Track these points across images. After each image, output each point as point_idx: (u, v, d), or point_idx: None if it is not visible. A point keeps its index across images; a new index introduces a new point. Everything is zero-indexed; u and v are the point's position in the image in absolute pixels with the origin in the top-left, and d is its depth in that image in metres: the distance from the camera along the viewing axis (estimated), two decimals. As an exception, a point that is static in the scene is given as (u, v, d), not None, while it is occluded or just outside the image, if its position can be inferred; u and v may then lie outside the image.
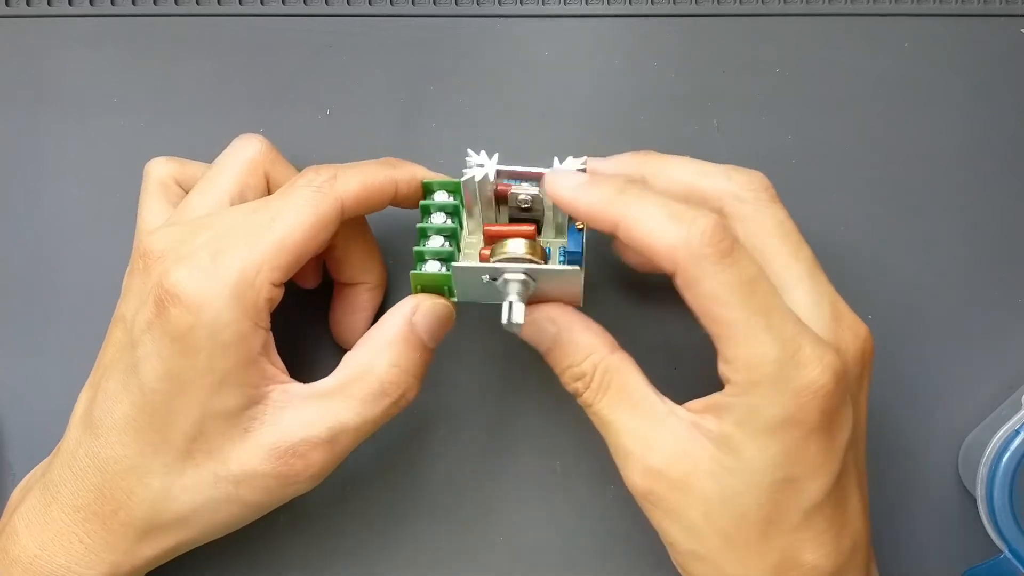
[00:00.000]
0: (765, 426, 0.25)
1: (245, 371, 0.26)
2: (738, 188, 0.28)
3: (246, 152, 0.30)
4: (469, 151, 0.28)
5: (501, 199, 0.29)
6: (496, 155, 0.28)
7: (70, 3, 0.36)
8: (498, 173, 0.28)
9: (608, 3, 0.36)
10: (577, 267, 0.27)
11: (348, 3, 0.36)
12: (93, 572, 0.27)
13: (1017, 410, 0.31)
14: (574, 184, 0.26)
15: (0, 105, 0.35)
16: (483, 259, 0.28)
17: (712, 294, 0.25)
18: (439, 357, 0.32)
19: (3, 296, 0.34)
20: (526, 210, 0.29)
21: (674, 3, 0.35)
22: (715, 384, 0.34)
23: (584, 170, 0.27)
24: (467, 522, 0.33)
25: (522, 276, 0.27)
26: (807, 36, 0.35)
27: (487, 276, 0.27)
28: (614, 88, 0.35)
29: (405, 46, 0.35)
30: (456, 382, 0.33)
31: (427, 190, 0.30)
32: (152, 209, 0.31)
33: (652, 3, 0.35)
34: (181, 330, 0.25)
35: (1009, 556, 0.30)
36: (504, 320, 0.26)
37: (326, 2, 0.36)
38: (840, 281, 0.33)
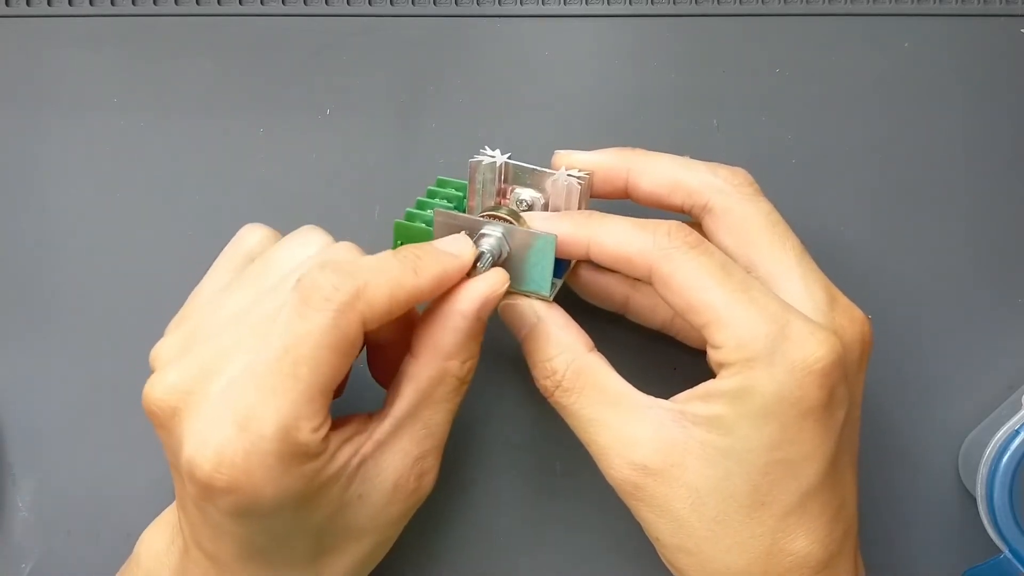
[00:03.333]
0: (761, 404, 0.24)
1: (330, 484, 0.25)
2: (722, 183, 0.28)
3: (307, 250, 0.27)
4: (485, 147, 0.29)
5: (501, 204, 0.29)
6: (508, 153, 0.29)
7: (70, 3, 0.36)
8: (507, 165, 0.29)
9: (608, 3, 0.36)
10: (551, 234, 0.27)
11: (348, 3, 0.36)
12: None
13: (1017, 410, 0.31)
14: (543, 217, 0.28)
15: (0, 105, 0.35)
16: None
17: (688, 282, 0.25)
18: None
19: (3, 296, 0.34)
20: (523, 210, 0.29)
21: (674, 3, 0.35)
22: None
23: (586, 176, 0.29)
24: (467, 522, 0.33)
25: (499, 233, 0.27)
26: (807, 36, 0.35)
27: (466, 231, 0.28)
28: (614, 88, 0.35)
29: (405, 46, 0.35)
30: (456, 382, 0.33)
31: (440, 185, 0.30)
32: (217, 280, 0.28)
33: (652, 3, 0.35)
34: (242, 509, 0.23)
35: (1009, 556, 0.30)
36: (475, 265, 0.27)
37: (326, 2, 0.36)
38: (840, 281, 0.33)
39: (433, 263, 0.26)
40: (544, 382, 0.27)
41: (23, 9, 0.36)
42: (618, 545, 0.33)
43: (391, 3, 0.36)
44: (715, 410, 0.25)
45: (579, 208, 0.29)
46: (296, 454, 0.24)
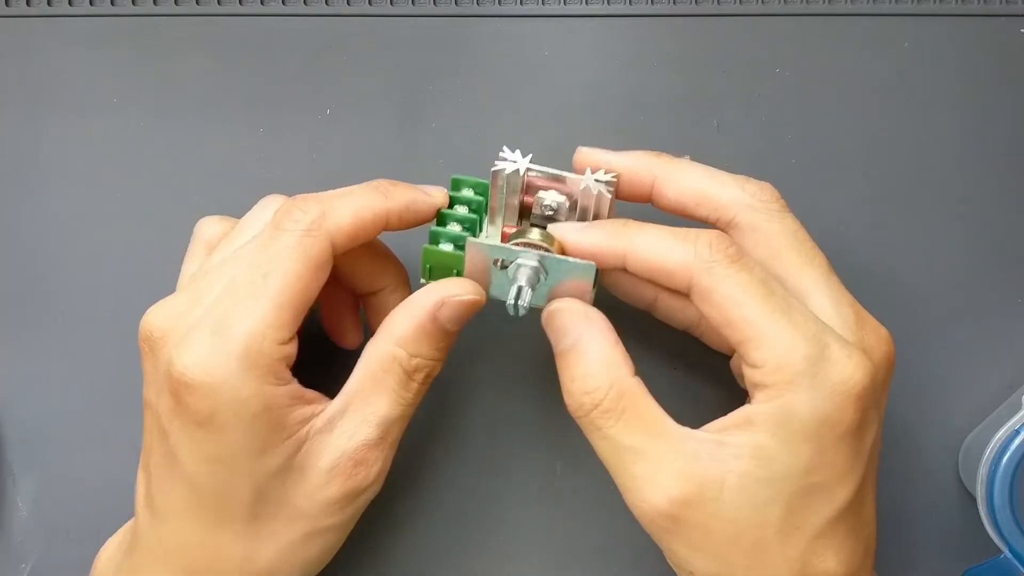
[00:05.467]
0: (801, 428, 0.24)
1: (282, 429, 0.26)
2: (750, 198, 0.28)
3: (270, 213, 0.28)
4: (504, 148, 0.28)
5: (526, 210, 0.29)
6: (530, 155, 0.28)
7: (70, 3, 0.36)
8: (529, 170, 0.28)
9: (608, 3, 0.36)
10: (590, 263, 0.27)
11: (348, 3, 0.36)
12: None
13: (1017, 410, 0.31)
14: (575, 228, 0.27)
15: (0, 105, 0.35)
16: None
17: (729, 297, 0.25)
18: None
19: (3, 296, 0.34)
20: (548, 218, 0.28)
21: (674, 3, 0.35)
22: (713, 385, 0.34)
23: (615, 182, 0.28)
24: (467, 522, 0.33)
25: (535, 262, 0.27)
26: (807, 36, 0.35)
27: (499, 261, 0.27)
28: (614, 88, 0.35)
29: (405, 46, 0.35)
30: (456, 382, 0.33)
31: (455, 186, 0.29)
32: (191, 269, 0.29)
33: (652, 3, 0.35)
34: (204, 416, 0.25)
35: (1009, 556, 0.30)
36: (511, 301, 0.27)
37: (326, 2, 0.36)
38: (839, 280, 0.33)
39: (405, 190, 0.28)
40: (583, 398, 0.26)
41: (23, 9, 0.36)
42: (618, 546, 0.33)
43: (391, 3, 0.36)
44: (757, 439, 0.24)
45: (608, 214, 0.28)
46: (258, 363, 0.25)
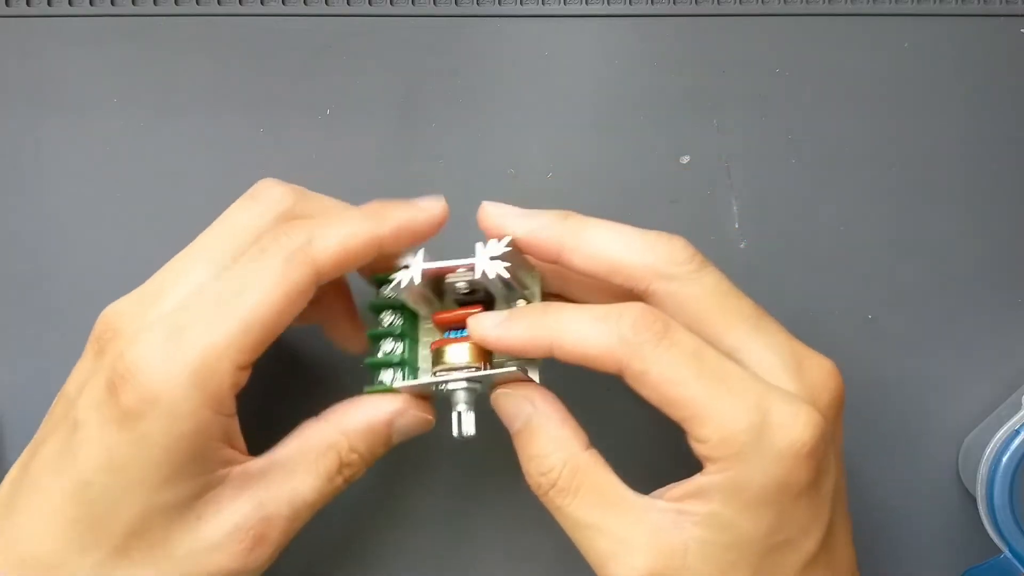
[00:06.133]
0: (755, 497, 0.24)
1: (202, 463, 0.24)
2: (663, 264, 0.26)
3: (264, 206, 0.27)
4: (399, 260, 0.27)
5: (439, 293, 0.28)
6: (421, 251, 0.27)
7: (70, 3, 0.36)
8: (424, 273, 0.26)
9: (608, 3, 0.36)
10: (514, 369, 0.26)
11: (348, 3, 0.36)
12: None
13: (1017, 410, 0.31)
14: (494, 324, 0.26)
15: (0, 105, 0.35)
16: (438, 346, 0.27)
17: (663, 378, 0.24)
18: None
19: (3, 296, 0.34)
20: (469, 294, 0.27)
21: (674, 3, 0.35)
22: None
23: (510, 247, 0.26)
24: (467, 523, 0.33)
25: (465, 384, 0.26)
26: (807, 36, 0.35)
27: (434, 387, 0.27)
28: (614, 88, 0.35)
29: (405, 46, 0.35)
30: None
31: (375, 310, 0.29)
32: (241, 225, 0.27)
33: (652, 3, 0.35)
34: (132, 417, 0.23)
35: (1009, 556, 0.30)
36: (455, 432, 0.26)
37: (326, 2, 0.36)
38: (840, 281, 0.33)
39: (398, 212, 0.27)
40: (539, 479, 0.26)
41: (23, 9, 0.36)
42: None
43: (391, 3, 0.36)
44: (711, 508, 0.24)
45: (517, 283, 0.27)
46: (208, 382, 0.24)
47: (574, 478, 0.25)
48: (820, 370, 0.26)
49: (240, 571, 0.25)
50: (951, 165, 0.34)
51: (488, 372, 0.27)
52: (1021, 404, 0.31)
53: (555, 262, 0.27)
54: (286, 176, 0.35)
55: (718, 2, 0.35)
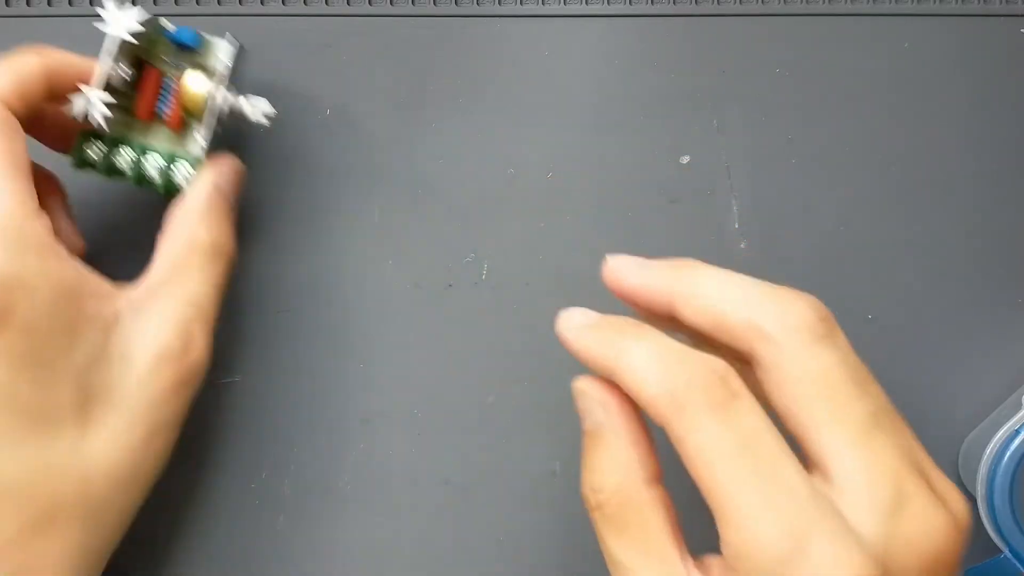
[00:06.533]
0: None
1: (83, 313, 0.25)
2: (771, 325, 0.22)
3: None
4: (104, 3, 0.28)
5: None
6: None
7: (70, 3, 0.36)
8: (95, 82, 0.28)
9: (608, 3, 0.36)
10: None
11: (348, 3, 0.36)
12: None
13: (1017, 410, 0.31)
14: (578, 324, 0.24)
15: None
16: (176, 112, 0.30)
17: (698, 452, 0.21)
18: (438, 355, 0.32)
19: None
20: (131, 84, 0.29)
21: (674, 3, 0.35)
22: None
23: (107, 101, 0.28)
24: (467, 523, 0.33)
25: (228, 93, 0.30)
26: (807, 36, 0.35)
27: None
28: (614, 88, 0.35)
29: (405, 46, 0.35)
30: (456, 382, 0.33)
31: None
32: None
33: (652, 3, 0.36)
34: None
35: (1009, 556, 0.30)
36: (254, 119, 0.30)
37: (326, 2, 0.36)
38: (840, 281, 0.33)
39: (55, 50, 0.28)
40: (588, 492, 0.23)
41: (23, 9, 0.36)
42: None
43: (391, 3, 0.36)
44: None
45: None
46: (28, 240, 0.24)
47: (622, 511, 0.23)
48: (924, 523, 0.20)
49: (186, 376, 0.26)
50: (951, 165, 0.34)
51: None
52: (1021, 404, 0.31)
53: (670, 315, 0.24)
54: (286, 176, 0.35)
55: (718, 2, 0.35)
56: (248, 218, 0.34)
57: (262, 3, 0.36)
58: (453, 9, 0.35)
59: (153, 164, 0.29)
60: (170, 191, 0.30)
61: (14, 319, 0.24)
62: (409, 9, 0.35)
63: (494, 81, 0.35)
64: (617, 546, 0.23)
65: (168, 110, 0.29)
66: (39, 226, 0.25)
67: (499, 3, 0.35)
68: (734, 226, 0.34)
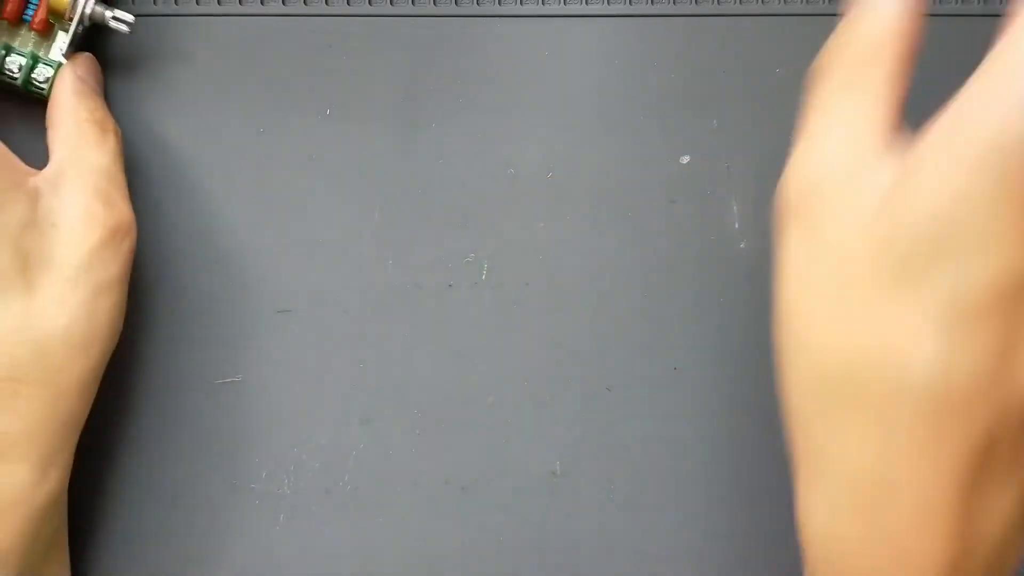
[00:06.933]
0: None
1: (3, 180, 0.26)
2: None
3: None
4: None
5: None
6: None
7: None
8: None
9: (608, 3, 0.36)
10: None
11: (348, 3, 0.36)
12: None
13: (1017, 410, 0.31)
14: None
15: None
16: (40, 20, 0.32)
17: None
18: (438, 355, 0.32)
19: None
20: None
21: (674, 3, 0.35)
22: (713, 385, 0.34)
23: None
24: (467, 523, 0.33)
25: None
26: (807, 36, 0.35)
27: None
28: (614, 88, 0.35)
29: (405, 46, 0.35)
30: (456, 382, 0.33)
31: None
32: None
33: (652, 3, 0.35)
34: None
35: (1009, 556, 0.30)
36: (117, 26, 0.32)
37: (326, 2, 0.36)
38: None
39: None
40: (827, 48, 0.25)
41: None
42: (618, 546, 0.33)
43: (391, 3, 0.36)
44: None
45: None
46: None
47: (860, 57, 0.24)
48: None
49: (117, 232, 0.28)
50: (951, 165, 0.34)
51: None
52: (1021, 404, 0.31)
53: None
54: (285, 177, 0.35)
55: (718, 2, 0.35)
56: (248, 218, 0.34)
57: (262, 3, 0.36)
58: (453, 9, 0.35)
59: (14, 63, 0.32)
60: (28, 88, 0.32)
61: None
62: (409, 9, 0.35)
63: (494, 81, 0.35)
64: (829, 89, 0.24)
65: (34, 14, 0.32)
66: None
67: (499, 3, 0.35)
68: (734, 226, 0.34)
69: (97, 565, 0.33)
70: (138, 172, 0.35)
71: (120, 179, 0.30)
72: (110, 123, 0.31)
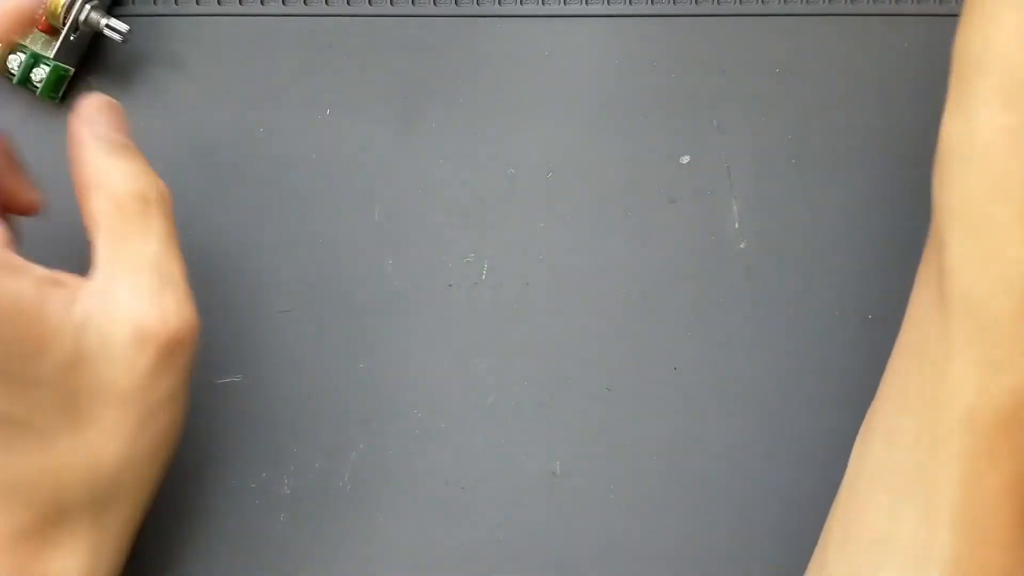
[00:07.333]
0: None
1: (44, 322, 0.23)
2: None
3: None
4: None
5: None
6: None
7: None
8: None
9: (608, 3, 0.36)
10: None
11: (348, 3, 0.36)
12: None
13: (1017, 410, 0.31)
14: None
15: (0, 105, 0.35)
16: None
17: None
18: (438, 355, 0.32)
19: None
20: None
21: (674, 3, 0.35)
22: (713, 384, 0.34)
23: None
24: (466, 523, 0.33)
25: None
26: (807, 36, 0.35)
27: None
28: (614, 88, 0.35)
29: (405, 46, 0.35)
30: (456, 382, 0.33)
31: None
32: None
33: (652, 3, 0.35)
34: None
35: (1009, 556, 0.30)
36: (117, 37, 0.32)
37: (326, 2, 0.36)
38: (840, 281, 0.33)
39: None
40: None
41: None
42: (618, 546, 0.33)
43: (391, 3, 0.36)
44: None
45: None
46: None
47: None
48: None
49: (171, 346, 0.25)
50: (951, 165, 0.34)
51: None
52: (1021, 404, 0.31)
53: None
54: (286, 176, 0.35)
55: (718, 2, 0.35)
56: (248, 218, 0.34)
57: (262, 3, 0.36)
58: (453, 9, 0.35)
59: (15, 60, 0.33)
60: (25, 85, 0.33)
61: None
62: (409, 9, 0.35)
63: (494, 81, 0.35)
64: None
65: (39, 14, 0.32)
66: None
67: (499, 3, 0.35)
68: (734, 226, 0.34)
69: (97, 565, 0.33)
70: (138, 172, 0.35)
71: (174, 268, 0.26)
72: (152, 189, 0.26)
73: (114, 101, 0.28)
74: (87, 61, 0.35)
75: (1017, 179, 0.23)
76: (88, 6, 0.33)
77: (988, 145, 0.23)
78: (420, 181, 0.34)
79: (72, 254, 0.28)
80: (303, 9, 0.36)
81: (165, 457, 0.27)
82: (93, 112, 0.27)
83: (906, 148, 0.35)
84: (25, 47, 0.33)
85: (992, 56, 0.23)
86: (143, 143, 0.35)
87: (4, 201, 0.29)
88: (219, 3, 0.36)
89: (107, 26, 0.33)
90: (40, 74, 0.33)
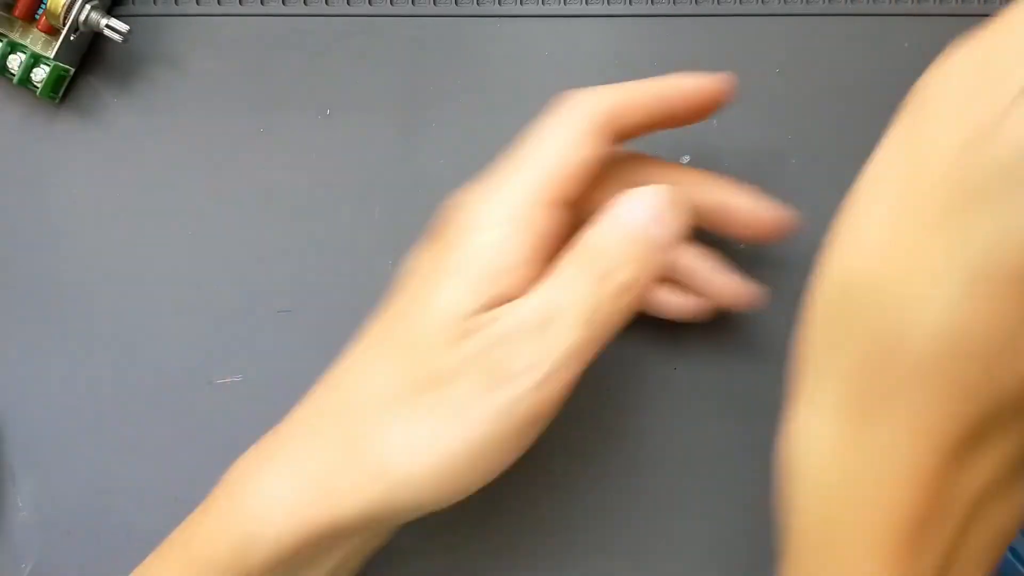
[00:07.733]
0: None
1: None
2: None
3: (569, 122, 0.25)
4: None
5: None
6: None
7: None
8: None
9: (608, 3, 0.36)
10: None
11: (348, 3, 0.36)
12: None
13: (1017, 410, 0.31)
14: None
15: (0, 105, 0.35)
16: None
17: None
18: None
19: (3, 296, 0.34)
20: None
21: (674, 3, 0.35)
22: (713, 384, 0.34)
23: None
24: (467, 524, 0.33)
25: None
26: (807, 36, 0.35)
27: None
28: (614, 88, 0.35)
29: (405, 46, 0.35)
30: (456, 382, 0.33)
31: None
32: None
33: (652, 3, 0.35)
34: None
35: (1009, 556, 0.30)
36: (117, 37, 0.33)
37: (326, 2, 0.36)
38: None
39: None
40: None
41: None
42: (619, 546, 0.33)
43: (391, 3, 0.36)
44: None
45: None
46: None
47: None
48: None
49: (536, 416, 0.25)
50: (951, 165, 0.34)
51: None
52: (1021, 404, 0.31)
53: None
54: (286, 176, 0.35)
55: (718, 2, 0.35)
56: (248, 218, 0.34)
57: (262, 3, 0.36)
58: (453, 9, 0.35)
59: (16, 61, 0.33)
60: (25, 85, 0.33)
61: None
62: (409, 9, 0.35)
63: (494, 81, 0.35)
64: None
65: (40, 15, 0.33)
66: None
67: (499, 3, 0.35)
68: (734, 226, 0.34)
69: (97, 564, 0.33)
70: (138, 172, 0.35)
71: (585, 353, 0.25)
72: (643, 284, 0.24)
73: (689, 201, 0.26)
74: (87, 61, 0.35)
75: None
76: (88, 6, 0.33)
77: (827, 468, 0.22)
78: (420, 181, 0.34)
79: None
80: (303, 9, 0.36)
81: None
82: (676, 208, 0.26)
83: (906, 148, 0.35)
84: (25, 47, 0.33)
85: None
86: (143, 143, 0.35)
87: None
88: (219, 3, 0.36)
89: (107, 26, 0.33)
90: (40, 74, 0.33)
